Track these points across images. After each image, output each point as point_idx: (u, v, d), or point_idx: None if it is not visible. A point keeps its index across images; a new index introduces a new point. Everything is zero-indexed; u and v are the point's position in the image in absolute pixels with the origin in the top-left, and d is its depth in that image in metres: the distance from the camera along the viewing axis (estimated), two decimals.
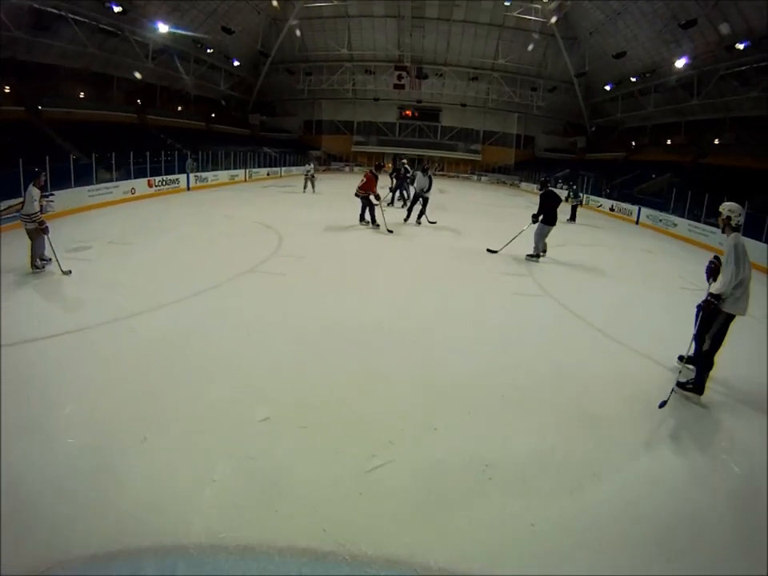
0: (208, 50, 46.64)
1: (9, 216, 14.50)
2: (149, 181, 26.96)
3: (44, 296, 9.31)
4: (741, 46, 31.56)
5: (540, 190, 14.35)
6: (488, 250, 14.49)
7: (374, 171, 17.59)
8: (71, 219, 18.77)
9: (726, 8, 31.18)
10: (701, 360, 6.14)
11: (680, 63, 37.54)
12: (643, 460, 4.75)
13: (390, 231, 17.10)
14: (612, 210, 32.79)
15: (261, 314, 8.50)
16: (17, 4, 28.06)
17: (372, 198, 17.40)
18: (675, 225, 24.99)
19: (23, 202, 10.55)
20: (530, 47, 51.47)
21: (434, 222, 19.35)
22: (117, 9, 33.68)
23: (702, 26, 33.13)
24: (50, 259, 10.79)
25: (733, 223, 6.01)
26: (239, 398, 5.45)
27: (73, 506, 3.80)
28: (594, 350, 7.78)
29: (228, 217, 19.67)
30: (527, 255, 13.94)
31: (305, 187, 30.68)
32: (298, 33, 55.82)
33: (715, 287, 5.89)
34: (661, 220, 26.53)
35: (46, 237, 10.63)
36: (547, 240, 14.11)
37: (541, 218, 13.55)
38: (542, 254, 14.11)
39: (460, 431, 4.98)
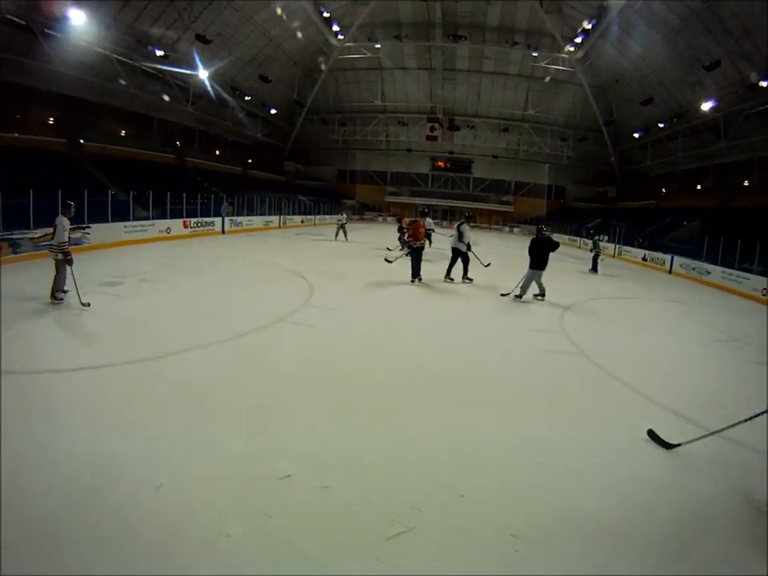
0: (246, 98, 47.78)
1: (44, 243, 14.98)
2: (184, 222, 27.51)
3: (65, 328, 9.40)
4: (764, 84, 31.50)
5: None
6: (501, 295, 14.71)
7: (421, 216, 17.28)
8: (106, 253, 19.08)
9: (747, 46, 31.18)
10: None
11: (706, 106, 37.41)
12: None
13: (420, 279, 15.99)
14: (645, 259, 32.06)
15: (288, 365, 8.12)
16: (62, 40, 29.14)
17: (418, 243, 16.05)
18: (708, 273, 24.50)
19: (54, 232, 10.72)
20: (547, 78, 51.48)
21: (471, 280, 16.95)
22: (159, 53, 34.86)
23: (724, 66, 33.07)
24: (68, 291, 10.85)
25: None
26: (260, 450, 5.21)
27: (78, 548, 3.67)
28: (630, 414, 6.99)
29: (260, 263, 19.55)
30: (514, 295, 14.49)
31: (336, 235, 30.48)
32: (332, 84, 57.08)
33: None
34: (694, 268, 26.00)
35: (69, 268, 10.73)
36: (582, 292, 15.42)
37: (531, 261, 14.15)
38: (540, 297, 14.60)
39: (489, 500, 4.63)
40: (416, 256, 16.06)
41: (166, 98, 39.79)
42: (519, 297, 14.38)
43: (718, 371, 9.31)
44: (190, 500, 4.27)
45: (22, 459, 4.64)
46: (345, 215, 32.16)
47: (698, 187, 45.39)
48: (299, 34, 46.49)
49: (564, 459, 5.41)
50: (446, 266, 16.93)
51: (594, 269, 24.36)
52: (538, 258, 14.02)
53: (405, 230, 21.00)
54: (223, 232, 31.02)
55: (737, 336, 12.42)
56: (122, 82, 34.66)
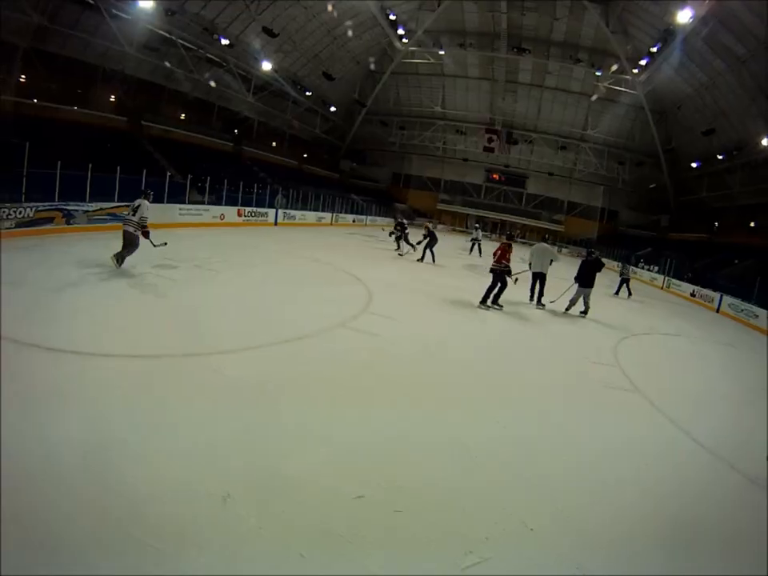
0: (307, 93, 47.73)
1: (100, 217, 16.36)
2: (239, 210, 27.75)
3: (122, 306, 9.31)
4: None
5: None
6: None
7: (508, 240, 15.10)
8: (159, 233, 18.99)
9: None
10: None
11: (766, 141, 36.21)
12: None
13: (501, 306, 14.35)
14: (693, 295, 30.94)
15: (354, 376, 7.57)
16: (129, 22, 29.65)
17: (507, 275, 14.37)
18: (756, 316, 23.50)
19: (135, 209, 12.18)
20: (594, 97, 50.75)
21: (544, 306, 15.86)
22: (224, 41, 35.10)
23: None
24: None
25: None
26: (332, 467, 4.89)
27: (144, 559, 3.46)
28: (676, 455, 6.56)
29: (316, 261, 18.91)
30: (564, 309, 15.55)
31: (398, 246, 25.76)
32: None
33: None
34: (742, 310, 24.97)
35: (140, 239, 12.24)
36: (634, 323, 15.46)
37: (579, 280, 15.58)
38: (582, 314, 15.53)
39: (555, 533, 4.43)
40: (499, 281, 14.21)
41: (229, 86, 40.16)
42: (567, 310, 15.45)
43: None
44: (260, 514, 4.08)
45: (61, 450, 4.43)
46: (402, 220, 27.12)
47: (752, 224, 44.22)
48: (363, 35, 46.79)
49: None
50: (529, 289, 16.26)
51: (617, 293, 24.06)
52: (587, 278, 15.30)
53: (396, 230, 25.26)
54: (276, 224, 31.12)
55: None
56: (187, 68, 35.08)
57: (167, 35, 32.45)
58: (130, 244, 12.04)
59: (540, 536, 4.30)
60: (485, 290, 14.17)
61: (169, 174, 24.43)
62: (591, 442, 6.57)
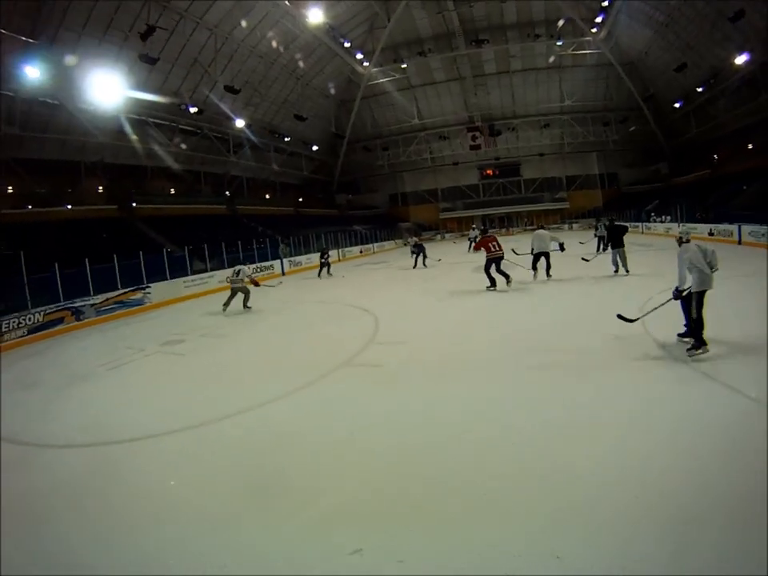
0: (286, 139, 48.27)
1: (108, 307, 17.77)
2: None
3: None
4: None
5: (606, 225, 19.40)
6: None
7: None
8: (167, 311, 19.26)
9: None
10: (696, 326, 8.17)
11: (740, 60, 36.16)
12: None
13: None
14: (711, 234, 29.71)
15: (357, 417, 6.92)
16: (97, 114, 30.34)
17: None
18: None
19: (238, 272, 17.48)
20: (551, 59, 51.19)
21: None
22: (193, 110, 35.75)
23: (749, 16, 31.85)
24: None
25: (684, 239, 8.53)
26: (334, 519, 4.54)
27: None
28: None
29: (322, 302, 18.48)
30: (613, 272, 17.56)
31: (415, 263, 27.31)
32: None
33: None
34: (763, 234, 23.88)
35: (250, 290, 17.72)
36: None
37: (610, 245, 17.49)
38: (626, 272, 17.34)
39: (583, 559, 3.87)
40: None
41: (210, 150, 40.99)
42: (616, 271, 17.46)
43: None
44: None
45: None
46: (412, 238, 31.94)
47: (750, 147, 43.67)
48: (325, 69, 47.58)
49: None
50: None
51: (599, 249, 23.13)
52: (617, 240, 17.03)
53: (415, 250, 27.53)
54: (283, 273, 31.13)
55: None
56: (161, 143, 35.92)
57: (136, 117, 33.18)
58: (245, 293, 17.37)
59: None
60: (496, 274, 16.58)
61: (167, 249, 24.75)
62: None
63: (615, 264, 17.43)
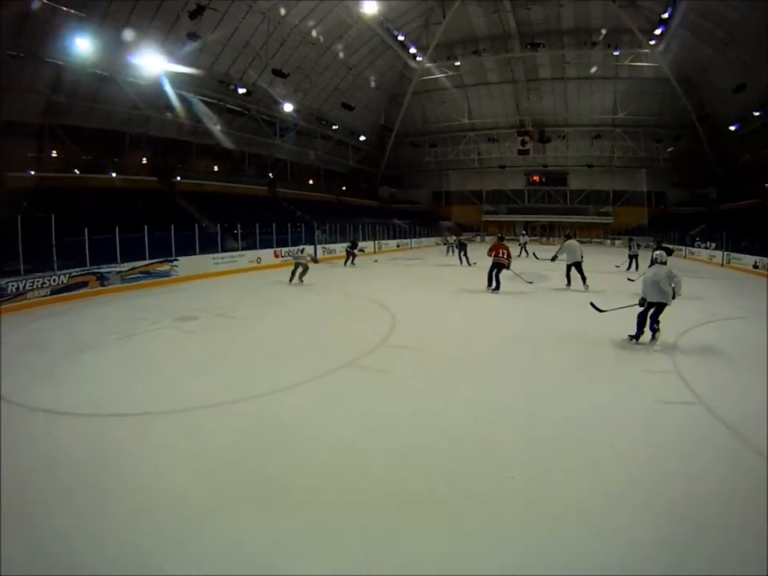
0: (333, 127, 48.49)
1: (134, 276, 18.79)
2: (275, 251, 28.04)
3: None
4: None
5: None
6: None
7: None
8: (192, 285, 19.41)
9: None
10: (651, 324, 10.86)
11: None
12: None
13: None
14: (756, 266, 28.37)
15: (351, 424, 6.60)
16: (147, 86, 30.77)
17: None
18: None
19: (302, 250, 21.17)
20: (593, 69, 50.52)
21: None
22: (242, 90, 36.07)
23: None
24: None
25: (658, 261, 11.12)
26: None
27: None
28: None
29: (347, 295, 17.95)
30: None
31: (457, 256, 30.18)
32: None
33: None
34: None
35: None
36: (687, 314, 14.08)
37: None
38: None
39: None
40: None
41: (256, 132, 41.48)
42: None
43: None
44: None
45: None
46: (453, 237, 33.71)
47: None
48: (377, 61, 47.52)
49: None
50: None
51: (629, 268, 25.72)
52: None
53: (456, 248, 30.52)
54: (316, 260, 30.45)
55: None
56: (208, 121, 36.27)
57: (186, 93, 33.58)
58: (304, 268, 20.38)
59: None
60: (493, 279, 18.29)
61: (200, 225, 24.78)
62: None
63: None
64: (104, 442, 5.98)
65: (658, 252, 11.64)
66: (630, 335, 11.04)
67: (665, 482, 5.04)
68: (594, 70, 49.75)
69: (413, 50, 48.00)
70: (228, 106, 37.76)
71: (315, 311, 14.97)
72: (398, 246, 45.11)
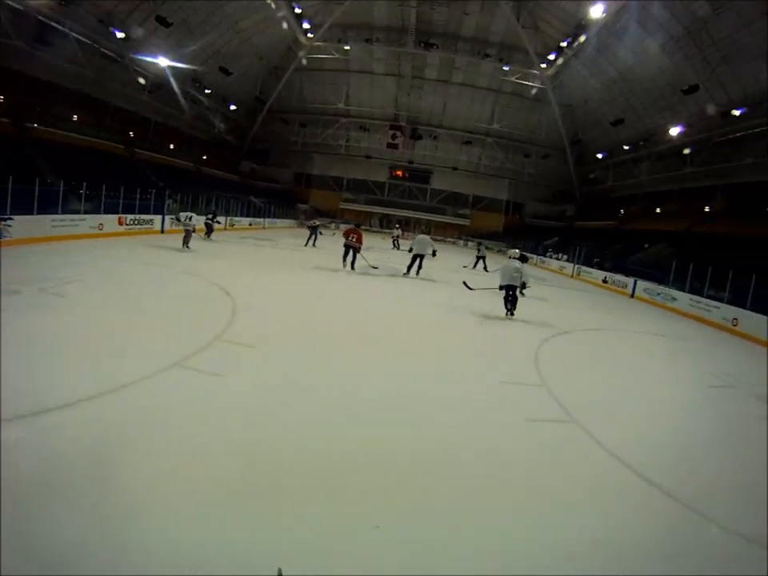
0: (206, 90, 46.73)
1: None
2: (119, 218, 25.41)
3: None
4: (737, 113, 32.52)
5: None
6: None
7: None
8: (26, 251, 17.55)
9: (724, 74, 32.05)
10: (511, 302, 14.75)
11: (674, 131, 38.51)
12: None
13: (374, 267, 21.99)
14: (605, 281, 31.56)
15: (177, 445, 5.31)
16: (20, 13, 28.02)
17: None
18: (675, 299, 23.79)
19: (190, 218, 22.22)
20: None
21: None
22: (119, 35, 33.87)
23: (696, 94, 34.18)
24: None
25: (511, 257, 15.24)
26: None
27: None
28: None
29: (186, 273, 16.28)
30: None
31: (307, 240, 31.62)
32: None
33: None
34: (659, 294, 25.30)
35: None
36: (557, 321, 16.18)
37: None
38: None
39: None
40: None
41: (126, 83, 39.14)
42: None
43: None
44: None
45: None
46: (317, 221, 33.86)
47: (658, 210, 46.55)
48: (268, 30, 46.21)
49: None
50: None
51: (475, 267, 29.79)
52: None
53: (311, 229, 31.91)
54: (162, 231, 28.89)
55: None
56: (80, 64, 33.66)
57: (60, 27, 30.88)
58: (189, 235, 21.89)
59: None
60: (344, 260, 20.93)
61: (46, 179, 23.07)
62: None
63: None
64: None
65: (512, 251, 16.96)
66: (507, 312, 14.80)
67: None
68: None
69: (306, 25, 47.15)
70: (102, 49, 34.96)
71: (153, 293, 13.28)
72: (250, 224, 43.43)
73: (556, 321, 15.74)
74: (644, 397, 9.42)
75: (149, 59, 38.06)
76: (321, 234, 33.04)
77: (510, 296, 14.73)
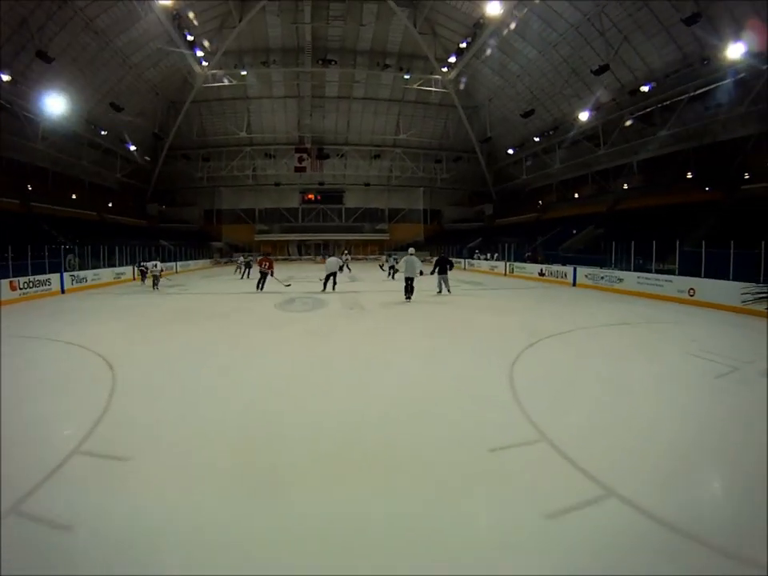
0: (102, 132, 43.95)
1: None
2: (11, 282, 20.98)
3: None
4: (645, 89, 33.26)
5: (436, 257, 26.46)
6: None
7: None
8: None
9: (627, 54, 32.95)
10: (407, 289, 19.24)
11: (583, 116, 39.18)
12: None
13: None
14: (542, 274, 30.38)
15: None
16: None
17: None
18: (621, 280, 22.91)
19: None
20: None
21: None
22: (5, 77, 30.92)
23: (602, 76, 34.57)
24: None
25: (409, 253, 20.23)
26: None
27: None
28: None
29: (69, 343, 11.37)
30: (437, 292, 22.00)
31: (242, 274, 33.50)
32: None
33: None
34: (603, 277, 24.18)
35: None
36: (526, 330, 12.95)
37: (437, 269, 21.84)
38: (448, 292, 21.99)
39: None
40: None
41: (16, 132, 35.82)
42: (439, 292, 21.92)
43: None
44: None
45: None
46: (245, 258, 35.81)
47: (576, 195, 48.02)
48: (161, 62, 44.42)
49: None
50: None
51: (393, 277, 30.92)
52: (443, 268, 21.76)
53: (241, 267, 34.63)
54: (63, 291, 24.83)
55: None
56: None
57: None
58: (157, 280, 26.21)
59: None
60: (258, 285, 23.87)
61: None
62: None
63: (439, 286, 22.08)
64: None
65: (410, 249, 21.57)
66: (405, 297, 19.13)
67: None
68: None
69: (199, 53, 45.00)
70: None
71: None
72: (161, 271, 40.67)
73: (517, 332, 12.21)
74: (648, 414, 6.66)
75: (38, 102, 35.01)
76: (251, 266, 33.63)
77: (409, 285, 19.28)
